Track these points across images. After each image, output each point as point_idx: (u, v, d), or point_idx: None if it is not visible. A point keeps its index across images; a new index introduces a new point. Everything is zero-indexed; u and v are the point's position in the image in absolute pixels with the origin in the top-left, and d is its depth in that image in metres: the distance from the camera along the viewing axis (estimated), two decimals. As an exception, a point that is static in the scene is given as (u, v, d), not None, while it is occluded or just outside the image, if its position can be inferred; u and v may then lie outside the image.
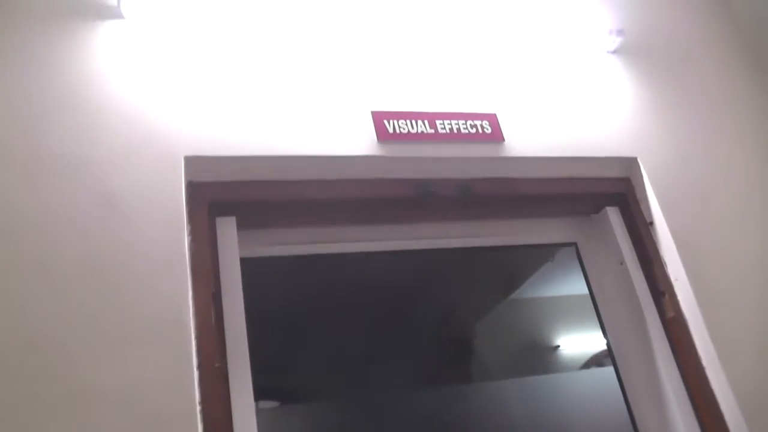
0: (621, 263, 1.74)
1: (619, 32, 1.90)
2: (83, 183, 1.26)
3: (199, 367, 1.22)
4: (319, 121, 1.51)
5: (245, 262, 1.43)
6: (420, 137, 1.56)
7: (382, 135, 1.52)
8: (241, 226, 1.46)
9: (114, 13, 1.45)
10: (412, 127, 1.56)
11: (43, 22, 1.41)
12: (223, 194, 1.43)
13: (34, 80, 1.34)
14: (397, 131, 1.54)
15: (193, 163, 1.37)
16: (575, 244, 1.84)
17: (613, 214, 1.80)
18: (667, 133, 1.86)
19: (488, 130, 1.63)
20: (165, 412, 1.14)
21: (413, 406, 1.63)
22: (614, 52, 1.93)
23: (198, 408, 1.17)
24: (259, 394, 1.32)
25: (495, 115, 1.67)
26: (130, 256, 1.24)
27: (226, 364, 1.31)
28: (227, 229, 1.43)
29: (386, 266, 1.70)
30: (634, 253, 1.76)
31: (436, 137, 1.57)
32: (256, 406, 1.31)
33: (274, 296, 1.56)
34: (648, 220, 1.76)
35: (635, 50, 1.95)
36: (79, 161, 1.28)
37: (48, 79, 1.35)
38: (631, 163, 1.79)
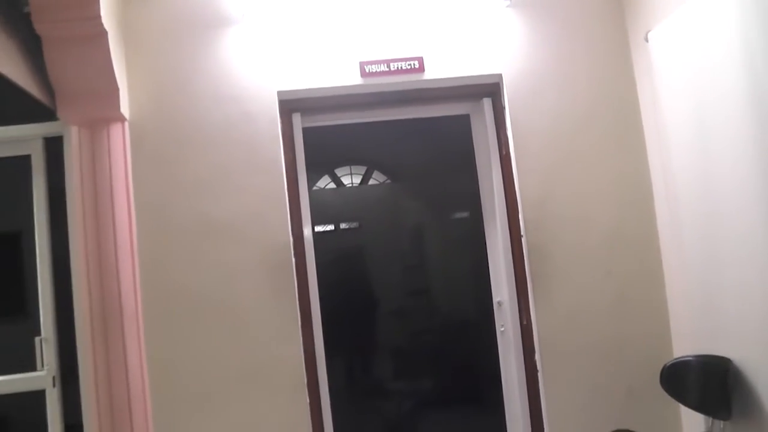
0: (485, 127, 3.58)
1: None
2: (235, 107, 3.31)
3: (285, 173, 3.34)
4: (334, 69, 3.40)
5: (305, 130, 3.48)
6: (382, 74, 3.41)
7: (363, 74, 3.40)
8: (303, 116, 3.48)
9: (234, 20, 3.37)
10: (378, 68, 3.41)
11: (197, 29, 3.38)
12: (294, 105, 3.44)
13: (204, 61, 3.35)
14: (371, 71, 3.40)
15: (281, 93, 3.37)
16: (469, 115, 3.66)
17: (486, 102, 3.55)
18: (525, 58, 3.47)
19: (417, 66, 3.43)
20: (270, 183, 3.28)
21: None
22: (509, 6, 3.52)
23: (284, 183, 3.32)
24: (310, 179, 3.49)
25: (422, 57, 3.44)
26: (256, 136, 3.30)
27: (296, 170, 3.42)
28: (296, 118, 3.46)
29: (366, 129, 3.73)
30: (486, 124, 3.55)
31: (389, 73, 3.41)
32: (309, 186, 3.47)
33: (315, 144, 3.62)
34: (503, 106, 3.52)
35: (523, 4, 3.51)
36: (230, 97, 3.31)
37: (214, 60, 3.36)
38: (499, 76, 3.49)
